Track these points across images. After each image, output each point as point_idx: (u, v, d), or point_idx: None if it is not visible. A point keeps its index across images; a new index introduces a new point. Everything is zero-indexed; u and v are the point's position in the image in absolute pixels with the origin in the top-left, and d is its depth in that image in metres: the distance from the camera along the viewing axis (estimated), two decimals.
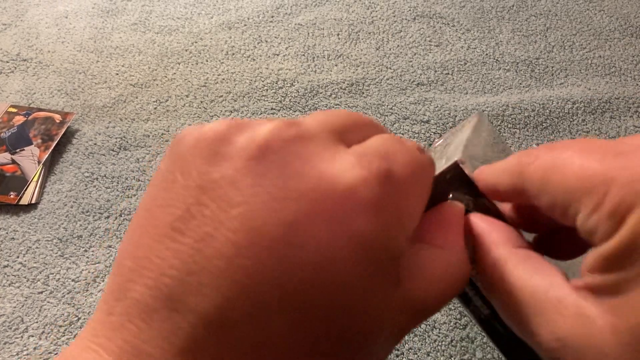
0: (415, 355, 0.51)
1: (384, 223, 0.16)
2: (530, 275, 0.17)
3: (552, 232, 0.22)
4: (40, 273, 0.60)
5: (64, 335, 0.55)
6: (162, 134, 0.74)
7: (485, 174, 0.22)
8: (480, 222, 0.20)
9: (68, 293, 0.58)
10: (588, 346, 0.15)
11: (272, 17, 0.90)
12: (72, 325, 0.55)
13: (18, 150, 0.71)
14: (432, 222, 0.21)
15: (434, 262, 0.19)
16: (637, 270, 0.15)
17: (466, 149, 0.25)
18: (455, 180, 0.23)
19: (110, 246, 0.62)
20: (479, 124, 0.31)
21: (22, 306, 0.57)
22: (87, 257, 0.61)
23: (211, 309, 0.15)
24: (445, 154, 0.26)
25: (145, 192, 0.18)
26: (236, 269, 0.15)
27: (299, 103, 0.76)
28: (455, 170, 0.23)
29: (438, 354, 0.51)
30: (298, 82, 0.79)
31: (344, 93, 0.77)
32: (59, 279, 0.59)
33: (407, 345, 0.51)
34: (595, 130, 0.71)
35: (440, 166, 0.24)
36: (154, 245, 0.16)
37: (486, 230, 0.20)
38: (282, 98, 0.77)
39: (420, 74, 0.79)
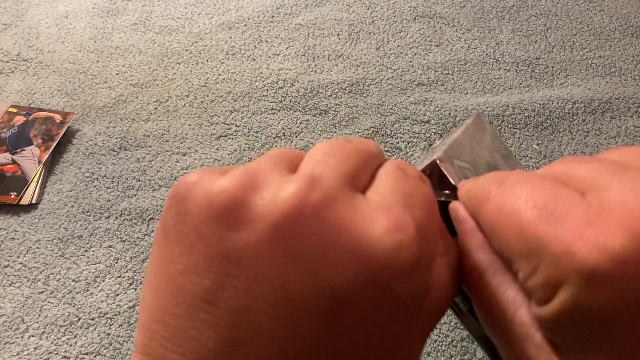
0: None
1: (421, 279, 0.16)
2: (503, 290, 0.17)
3: None
4: (41, 273, 0.60)
5: (64, 335, 0.55)
6: (163, 134, 0.74)
7: (461, 190, 0.21)
8: (467, 220, 0.20)
9: (68, 293, 0.58)
10: None
11: (273, 17, 0.90)
12: (73, 325, 0.55)
13: (18, 150, 0.71)
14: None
15: (442, 272, 0.19)
16: (570, 342, 0.15)
17: (450, 148, 0.25)
18: (434, 178, 0.23)
19: (110, 246, 0.62)
20: (473, 124, 0.31)
21: (23, 306, 0.57)
22: (88, 257, 0.61)
23: None
24: (432, 154, 0.27)
25: (155, 245, 0.17)
26: (279, 342, 0.15)
27: (299, 103, 0.76)
28: (434, 168, 0.23)
29: (439, 354, 0.51)
30: (298, 82, 0.79)
31: (344, 93, 0.77)
32: (59, 279, 0.59)
33: None
34: (596, 130, 0.71)
35: (423, 161, 0.25)
36: (186, 316, 0.15)
37: (469, 231, 0.19)
38: (283, 98, 0.77)
39: (421, 74, 0.79)
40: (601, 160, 0.17)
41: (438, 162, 0.24)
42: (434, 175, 0.24)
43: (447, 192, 0.23)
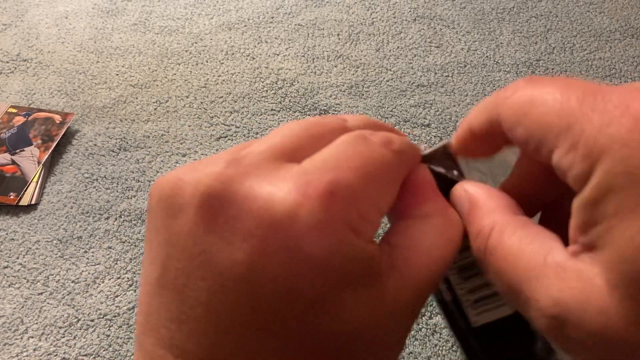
0: (415, 359, 0.51)
1: (336, 238, 0.16)
2: (529, 242, 0.17)
3: (549, 211, 0.22)
4: (40, 274, 0.60)
5: (63, 337, 0.55)
6: (162, 134, 0.74)
7: (463, 120, 0.22)
8: (475, 188, 0.20)
9: (68, 294, 0.58)
10: (589, 307, 0.15)
11: (272, 17, 0.90)
12: (72, 327, 0.55)
13: (18, 150, 0.71)
14: (408, 195, 0.21)
15: (424, 234, 0.19)
16: (615, 219, 0.14)
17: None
18: (442, 159, 0.23)
19: (110, 247, 0.62)
20: None
21: (22, 307, 0.57)
22: (87, 258, 0.61)
23: (203, 352, 0.16)
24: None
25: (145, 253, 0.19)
26: (213, 314, 0.16)
27: (298, 103, 0.76)
28: (444, 150, 0.23)
29: (439, 358, 0.51)
30: (298, 82, 0.79)
31: (343, 94, 0.77)
32: (58, 280, 0.59)
33: (408, 349, 0.52)
34: None
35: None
36: (150, 301, 0.18)
37: (482, 197, 0.20)
38: (282, 98, 0.77)
39: (421, 76, 0.79)
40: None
41: (446, 144, 0.23)
42: (442, 156, 0.23)
43: (455, 172, 0.23)
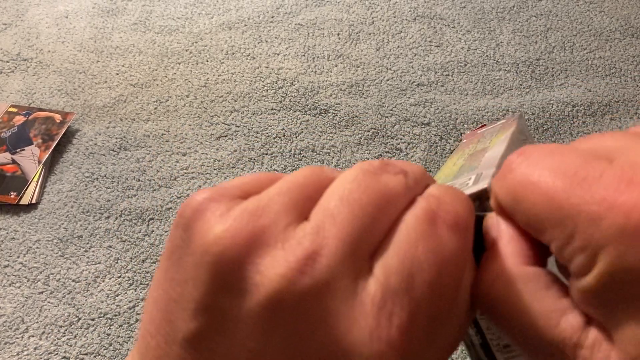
0: None
1: None
2: (543, 298, 0.17)
3: None
4: (41, 273, 0.60)
5: (64, 336, 0.55)
6: (163, 134, 0.74)
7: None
8: (503, 225, 0.19)
9: (68, 293, 0.58)
10: None
11: (273, 17, 0.90)
12: (73, 326, 0.55)
13: (18, 150, 0.71)
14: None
15: (463, 298, 0.18)
16: (622, 314, 0.15)
17: (499, 169, 0.24)
18: (481, 201, 0.22)
19: (110, 246, 0.62)
20: (518, 131, 0.30)
21: (23, 306, 0.57)
22: (88, 258, 0.61)
23: None
24: (478, 166, 0.25)
25: (164, 253, 0.17)
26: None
27: (299, 102, 0.76)
28: (482, 194, 0.22)
29: None
30: (298, 81, 0.79)
31: (344, 93, 0.77)
32: (59, 279, 0.59)
33: None
34: (596, 131, 0.71)
35: (468, 181, 0.24)
36: (165, 347, 0.16)
37: (503, 238, 0.18)
38: (282, 98, 0.77)
39: (421, 75, 0.79)
40: (620, 132, 0.17)
41: (488, 189, 0.22)
42: (482, 199, 0.22)
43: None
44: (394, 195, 0.17)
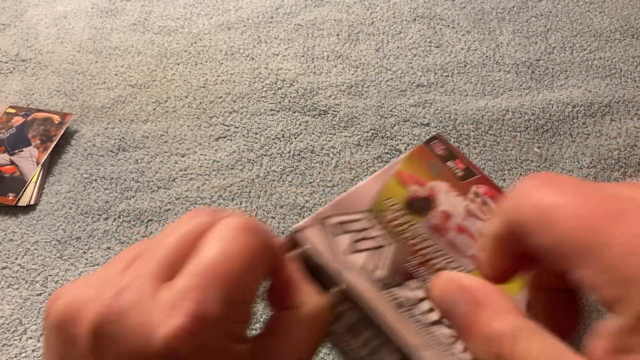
0: None
1: (218, 345, 0.20)
2: (547, 352, 0.16)
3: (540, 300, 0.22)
4: (39, 275, 0.60)
5: None
6: (161, 135, 0.74)
7: (480, 242, 0.21)
8: (476, 283, 0.19)
9: None
10: None
11: (272, 17, 0.90)
12: None
13: (17, 151, 0.71)
14: (280, 287, 0.24)
15: (293, 324, 0.23)
16: None
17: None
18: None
19: (109, 248, 0.62)
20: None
21: (21, 308, 0.57)
22: (86, 259, 0.61)
23: None
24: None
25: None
26: None
27: (298, 103, 0.76)
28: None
29: None
30: (297, 82, 0.79)
31: (343, 94, 0.77)
32: (57, 280, 0.59)
33: None
34: (596, 132, 0.71)
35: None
36: None
37: (490, 295, 0.18)
38: (282, 99, 0.77)
39: (420, 76, 0.79)
40: (634, 183, 0.18)
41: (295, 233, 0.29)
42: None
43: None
44: (185, 242, 0.22)
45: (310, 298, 0.24)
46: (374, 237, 0.44)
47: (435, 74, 0.79)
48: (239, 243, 0.21)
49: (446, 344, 0.36)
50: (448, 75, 0.79)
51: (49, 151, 0.71)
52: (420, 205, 0.55)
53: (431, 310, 0.40)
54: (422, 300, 0.40)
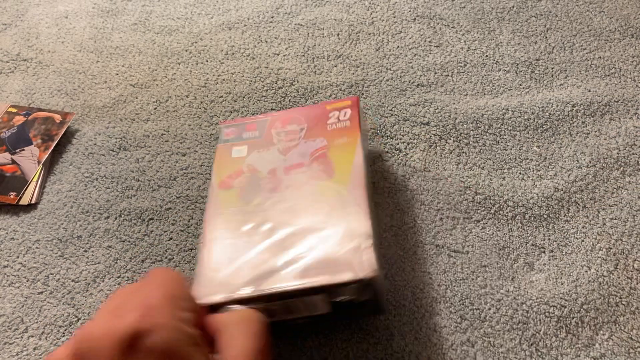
0: (416, 359, 0.51)
1: None
2: None
3: None
4: (40, 273, 0.60)
5: (63, 336, 0.55)
6: (162, 134, 0.74)
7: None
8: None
9: (68, 293, 0.58)
10: None
11: (272, 17, 0.90)
12: (72, 326, 0.55)
13: (18, 150, 0.72)
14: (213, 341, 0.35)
15: (225, 328, 0.35)
16: None
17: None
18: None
19: (110, 246, 0.62)
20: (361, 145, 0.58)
21: (22, 306, 0.57)
22: (87, 258, 0.61)
23: None
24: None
25: None
26: None
27: (298, 103, 0.76)
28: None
29: (439, 357, 0.51)
30: (298, 81, 0.79)
31: (343, 94, 0.77)
32: (58, 279, 0.59)
33: (407, 348, 0.52)
34: (595, 131, 0.71)
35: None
36: None
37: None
38: (282, 98, 0.77)
39: (420, 75, 0.79)
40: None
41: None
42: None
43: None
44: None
45: (227, 315, 0.38)
46: (242, 248, 0.50)
47: (435, 73, 0.80)
48: (162, 272, 0.36)
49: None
50: (448, 75, 0.79)
51: (50, 150, 0.71)
52: (250, 189, 0.58)
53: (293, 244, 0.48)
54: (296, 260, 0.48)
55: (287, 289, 0.45)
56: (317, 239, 0.48)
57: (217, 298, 0.45)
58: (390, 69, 0.81)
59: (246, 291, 0.45)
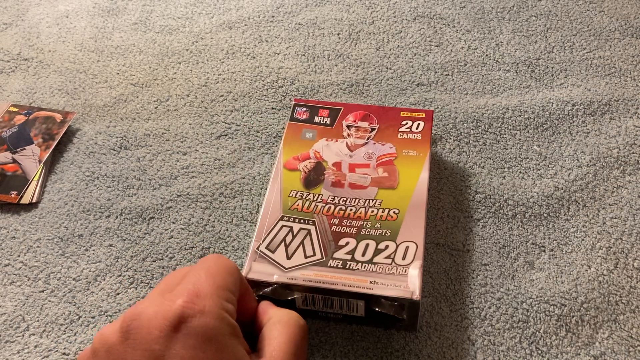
0: (417, 357, 0.51)
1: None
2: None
3: None
4: (41, 272, 0.60)
5: (64, 334, 0.55)
6: (163, 133, 0.74)
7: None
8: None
9: (69, 292, 0.58)
10: None
11: (273, 16, 0.90)
12: (73, 324, 0.56)
13: (19, 149, 0.72)
14: (257, 314, 0.40)
15: (269, 332, 0.37)
16: None
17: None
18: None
19: (111, 245, 0.62)
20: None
21: (23, 305, 0.57)
22: (88, 256, 0.61)
23: None
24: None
25: None
26: None
27: None
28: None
29: (439, 356, 0.51)
30: (298, 81, 0.79)
31: (344, 93, 0.77)
32: (59, 277, 0.59)
33: (407, 347, 0.52)
34: (596, 130, 0.71)
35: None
36: None
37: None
38: (283, 97, 0.77)
39: (421, 75, 0.79)
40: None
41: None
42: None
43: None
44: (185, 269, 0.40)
45: (275, 312, 0.38)
46: (297, 234, 0.51)
47: (436, 72, 0.80)
48: (214, 259, 0.36)
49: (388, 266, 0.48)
50: (448, 74, 0.79)
51: (51, 149, 0.71)
52: (314, 176, 0.60)
53: (366, 247, 0.49)
54: (356, 247, 0.50)
55: (333, 287, 0.47)
56: (371, 246, 0.50)
57: (266, 277, 0.48)
58: (390, 69, 0.81)
59: (295, 278, 0.47)
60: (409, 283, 0.47)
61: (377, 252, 0.50)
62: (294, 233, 0.51)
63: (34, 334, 0.55)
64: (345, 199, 0.55)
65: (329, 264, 0.49)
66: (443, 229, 0.61)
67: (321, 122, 0.64)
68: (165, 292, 0.33)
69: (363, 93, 0.77)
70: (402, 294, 0.46)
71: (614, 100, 0.74)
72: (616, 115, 0.73)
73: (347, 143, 0.61)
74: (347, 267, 0.49)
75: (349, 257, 0.49)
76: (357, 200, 0.55)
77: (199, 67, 0.83)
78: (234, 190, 0.66)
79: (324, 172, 0.58)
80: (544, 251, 0.59)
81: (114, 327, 0.33)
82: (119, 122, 0.75)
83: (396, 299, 0.46)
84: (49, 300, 0.58)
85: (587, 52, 0.82)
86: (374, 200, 0.54)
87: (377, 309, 0.47)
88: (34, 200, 0.66)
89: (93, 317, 0.56)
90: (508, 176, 0.66)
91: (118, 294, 0.58)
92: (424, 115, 0.64)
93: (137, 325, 0.30)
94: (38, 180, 0.68)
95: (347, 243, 0.51)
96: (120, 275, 0.59)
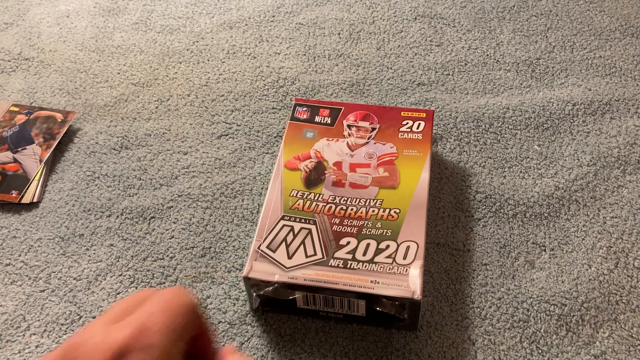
0: (417, 357, 0.51)
1: None
2: None
3: None
4: (42, 271, 0.60)
5: (65, 334, 0.55)
6: (164, 133, 0.74)
7: None
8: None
9: (70, 291, 0.58)
10: None
11: (273, 16, 0.90)
12: (74, 324, 0.56)
13: (20, 149, 0.72)
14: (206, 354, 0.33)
15: None
16: None
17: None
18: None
19: (111, 245, 0.62)
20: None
21: (24, 304, 0.57)
22: (89, 256, 0.61)
23: None
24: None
25: None
26: None
27: None
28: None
29: (439, 355, 0.51)
30: (299, 80, 0.79)
31: (344, 93, 0.77)
32: (60, 277, 0.59)
33: (408, 346, 0.52)
34: (596, 130, 0.71)
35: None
36: None
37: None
38: (283, 97, 0.77)
39: (421, 74, 0.79)
40: None
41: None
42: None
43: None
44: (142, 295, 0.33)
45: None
46: (298, 233, 0.52)
47: (436, 72, 0.80)
48: (174, 293, 0.32)
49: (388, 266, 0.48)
50: (449, 74, 0.79)
51: (51, 149, 0.71)
52: (314, 176, 0.60)
53: (367, 247, 0.49)
54: (357, 247, 0.50)
55: (334, 287, 0.47)
56: (372, 246, 0.50)
57: (267, 277, 0.48)
58: (391, 68, 0.81)
59: (296, 277, 0.48)
60: (409, 283, 0.47)
61: (378, 251, 0.50)
62: (295, 232, 0.52)
63: (34, 334, 0.55)
64: (346, 198, 0.55)
65: (329, 264, 0.49)
66: (444, 229, 0.61)
67: (322, 121, 0.64)
68: (113, 321, 0.31)
69: (364, 93, 0.77)
70: (403, 293, 0.46)
71: (614, 99, 0.75)
72: (617, 114, 0.73)
73: (347, 143, 0.62)
74: (348, 266, 0.49)
75: (350, 256, 0.50)
76: (358, 199, 0.55)
77: (199, 67, 0.83)
78: (235, 190, 0.67)
79: (325, 172, 0.58)
80: (545, 251, 0.59)
81: (54, 357, 0.31)
82: (119, 122, 0.76)
83: (397, 298, 0.46)
84: (50, 300, 0.58)
85: (587, 52, 0.82)
86: (375, 200, 0.54)
87: (378, 309, 0.47)
88: (34, 200, 0.66)
89: (94, 317, 0.56)
90: (509, 176, 0.66)
91: (119, 293, 0.58)
92: (424, 115, 0.64)
93: (77, 357, 0.29)
94: (39, 180, 0.68)
95: (348, 243, 0.51)
96: (121, 275, 0.59)
